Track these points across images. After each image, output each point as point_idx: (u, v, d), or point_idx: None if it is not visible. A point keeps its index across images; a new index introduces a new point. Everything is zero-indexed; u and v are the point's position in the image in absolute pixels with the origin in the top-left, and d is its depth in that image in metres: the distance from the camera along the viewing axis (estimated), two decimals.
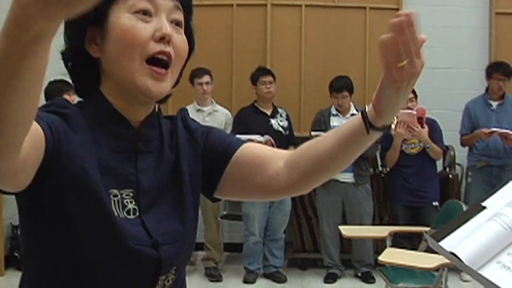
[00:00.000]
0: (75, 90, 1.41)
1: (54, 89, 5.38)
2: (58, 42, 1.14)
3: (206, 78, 6.22)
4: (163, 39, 1.30)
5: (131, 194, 1.32)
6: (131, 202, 1.32)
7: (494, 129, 5.94)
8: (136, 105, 1.37)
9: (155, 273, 1.33)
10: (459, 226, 2.15)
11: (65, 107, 1.28)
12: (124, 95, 1.33)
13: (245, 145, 1.51)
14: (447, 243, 2.08)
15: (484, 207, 2.24)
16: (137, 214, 1.32)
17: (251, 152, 1.49)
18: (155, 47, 1.29)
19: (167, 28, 1.30)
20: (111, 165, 1.30)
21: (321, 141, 1.43)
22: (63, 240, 1.25)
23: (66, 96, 5.35)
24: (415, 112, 5.86)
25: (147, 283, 1.34)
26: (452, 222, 2.21)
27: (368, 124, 1.35)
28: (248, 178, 1.47)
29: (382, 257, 3.89)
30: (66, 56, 1.36)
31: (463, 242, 1.99)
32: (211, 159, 1.48)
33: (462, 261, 1.90)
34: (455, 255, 1.94)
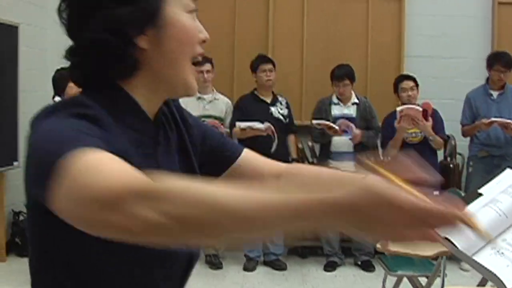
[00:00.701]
0: (80, 80, 1.32)
1: (61, 77, 5.43)
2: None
3: (206, 67, 6.20)
4: (204, 42, 1.33)
5: None
6: None
7: (493, 119, 5.93)
8: (161, 100, 1.35)
9: (185, 269, 1.35)
10: None
11: (89, 107, 1.19)
12: (159, 90, 1.31)
13: (243, 156, 1.51)
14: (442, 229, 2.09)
15: (480, 194, 2.25)
16: None
17: (249, 164, 1.50)
18: (199, 49, 1.31)
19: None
20: (137, 161, 1.11)
21: (310, 178, 1.42)
22: (92, 249, 1.16)
23: (71, 84, 5.39)
24: (420, 109, 5.86)
25: (179, 279, 1.35)
26: None
27: None
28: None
29: (380, 245, 3.88)
30: (101, 42, 1.21)
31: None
32: (208, 162, 1.47)
33: (456, 247, 1.91)
34: (450, 241, 1.95)
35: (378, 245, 3.88)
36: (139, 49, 1.24)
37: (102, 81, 1.27)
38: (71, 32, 1.27)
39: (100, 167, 0.97)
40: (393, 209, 0.87)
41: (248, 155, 1.52)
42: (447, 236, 1.96)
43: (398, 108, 5.92)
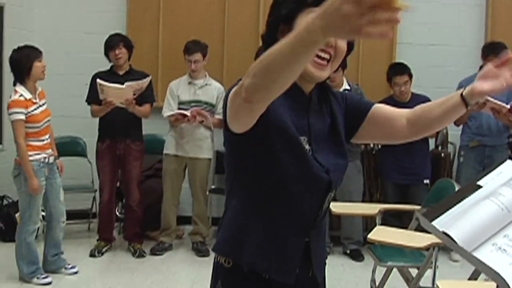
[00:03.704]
0: None
1: (23, 56, 5.13)
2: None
3: (196, 56, 6.07)
4: (327, 45, 1.85)
5: (306, 139, 1.92)
6: (306, 145, 1.92)
7: (488, 97, 5.80)
8: (307, 82, 1.94)
9: (326, 191, 1.97)
10: (453, 205, 2.06)
11: None
12: (300, 77, 1.65)
13: (377, 105, 2.12)
14: (440, 222, 1.99)
15: (479, 186, 2.15)
16: (311, 153, 1.93)
17: (382, 110, 2.11)
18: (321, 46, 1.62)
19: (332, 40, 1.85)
20: (293, 119, 1.89)
21: (431, 109, 2.07)
22: (267, 168, 1.88)
23: (37, 63, 5.16)
24: None
25: (320, 198, 1.98)
26: (445, 201, 2.12)
27: (466, 103, 1.97)
28: (381, 129, 2.11)
29: (372, 235, 3.81)
30: (265, 38, 1.96)
31: (456, 222, 1.90)
32: (352, 115, 2.09)
33: (455, 242, 1.82)
34: (448, 235, 1.85)
35: (369, 236, 3.80)
36: None
37: None
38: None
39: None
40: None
41: (378, 107, 2.12)
42: (445, 231, 1.87)
43: None
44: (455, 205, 2.03)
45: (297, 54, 1.39)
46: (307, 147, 1.91)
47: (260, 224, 1.94)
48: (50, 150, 5.23)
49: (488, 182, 2.14)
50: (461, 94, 1.97)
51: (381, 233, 3.89)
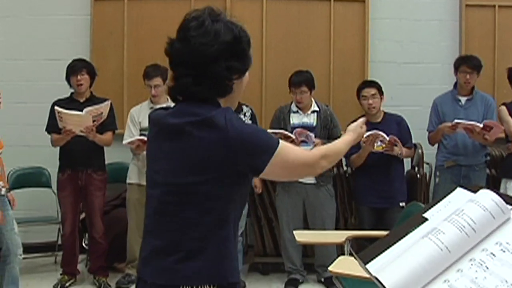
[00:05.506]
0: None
1: None
2: None
3: (155, 81, 5.86)
4: None
5: None
6: None
7: (457, 120, 5.62)
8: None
9: None
10: (392, 244, 1.83)
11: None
12: (230, 105, 2.24)
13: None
14: (375, 265, 1.75)
15: (425, 219, 1.92)
16: None
17: None
18: None
19: None
20: None
21: None
22: (243, 197, 2.21)
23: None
24: (387, 138, 5.57)
25: None
26: (384, 239, 1.88)
27: None
28: None
29: (333, 267, 3.56)
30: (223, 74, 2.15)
31: (391, 265, 1.67)
32: None
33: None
34: (380, 281, 1.62)
35: (330, 268, 3.56)
36: (232, 84, 2.17)
37: (207, 97, 2.15)
38: (206, 63, 2.11)
39: (294, 150, 2.21)
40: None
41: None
42: (377, 276, 1.63)
43: (365, 135, 5.61)
44: (395, 243, 1.81)
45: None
46: None
47: (232, 242, 2.17)
48: (1, 182, 5.00)
49: (434, 214, 1.92)
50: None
51: (343, 264, 3.64)
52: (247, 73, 2.24)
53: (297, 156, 2.17)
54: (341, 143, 2.40)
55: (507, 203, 1.64)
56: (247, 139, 2.06)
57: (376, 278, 1.59)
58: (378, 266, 1.67)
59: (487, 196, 1.64)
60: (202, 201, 2.08)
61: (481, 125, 5.53)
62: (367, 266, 1.70)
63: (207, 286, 2.05)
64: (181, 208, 2.10)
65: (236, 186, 2.12)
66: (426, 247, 1.60)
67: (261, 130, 2.25)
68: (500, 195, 1.65)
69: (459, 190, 1.96)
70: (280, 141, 2.13)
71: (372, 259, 1.74)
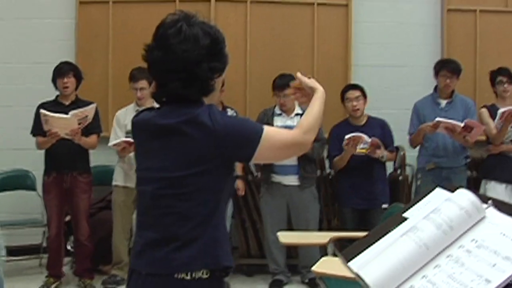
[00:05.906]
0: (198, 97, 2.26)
1: None
2: None
3: (141, 84, 5.91)
4: (223, 86, 2.79)
5: None
6: None
7: (438, 118, 5.70)
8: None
9: None
10: (373, 242, 1.89)
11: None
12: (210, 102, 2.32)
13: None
14: (357, 262, 1.82)
15: (404, 218, 1.99)
16: None
17: None
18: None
19: None
20: None
21: None
22: (229, 187, 2.28)
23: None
24: (369, 140, 5.65)
25: None
26: (365, 238, 1.95)
27: None
28: None
29: (316, 267, 3.62)
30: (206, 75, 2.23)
31: (372, 262, 1.73)
32: None
33: (366, 284, 1.65)
34: (361, 277, 1.68)
35: (313, 268, 3.62)
36: (214, 83, 2.25)
37: (192, 98, 2.22)
38: (190, 68, 2.18)
39: (280, 132, 2.37)
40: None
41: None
42: (358, 273, 1.70)
43: (346, 136, 5.66)
44: (376, 241, 1.88)
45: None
46: None
47: (223, 228, 2.26)
48: None
49: (414, 213, 1.99)
50: None
51: (327, 265, 3.70)
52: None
53: (283, 137, 2.26)
54: (315, 106, 2.37)
55: (482, 202, 1.71)
56: (232, 131, 2.14)
57: (358, 275, 1.67)
58: (360, 264, 1.74)
59: (463, 196, 1.71)
60: (195, 193, 2.15)
61: (462, 125, 5.61)
62: (349, 263, 1.77)
63: (203, 271, 2.12)
64: (174, 200, 2.15)
65: (225, 176, 2.21)
66: (405, 245, 1.67)
67: (244, 120, 2.43)
68: (476, 194, 1.72)
69: (437, 190, 2.04)
70: (264, 126, 2.21)
71: (354, 257, 1.81)
